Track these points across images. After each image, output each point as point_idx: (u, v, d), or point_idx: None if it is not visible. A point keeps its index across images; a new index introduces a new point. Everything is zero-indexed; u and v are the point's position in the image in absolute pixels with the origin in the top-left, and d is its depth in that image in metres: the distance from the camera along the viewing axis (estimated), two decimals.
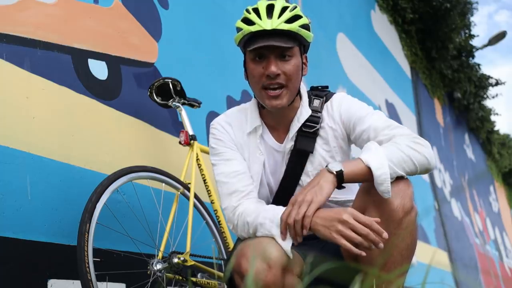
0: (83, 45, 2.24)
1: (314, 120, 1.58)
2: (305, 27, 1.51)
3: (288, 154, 1.59)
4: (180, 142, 2.27)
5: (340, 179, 1.38)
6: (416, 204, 1.44)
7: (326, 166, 1.40)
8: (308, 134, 1.58)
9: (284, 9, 1.48)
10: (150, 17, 2.72)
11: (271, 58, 1.47)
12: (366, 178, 1.38)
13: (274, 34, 1.45)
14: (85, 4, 2.32)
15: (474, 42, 10.37)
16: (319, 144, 1.59)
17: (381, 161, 1.36)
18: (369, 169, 1.36)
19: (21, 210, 1.76)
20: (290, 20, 1.47)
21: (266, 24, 1.45)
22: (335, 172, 1.38)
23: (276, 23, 1.44)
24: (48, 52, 2.05)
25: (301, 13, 1.51)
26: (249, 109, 1.65)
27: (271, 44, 1.44)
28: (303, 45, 1.56)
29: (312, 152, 1.58)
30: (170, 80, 2.31)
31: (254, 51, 1.48)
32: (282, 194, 1.61)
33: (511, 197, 13.93)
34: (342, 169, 1.38)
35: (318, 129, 1.58)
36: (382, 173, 1.35)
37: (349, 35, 5.64)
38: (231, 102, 3.22)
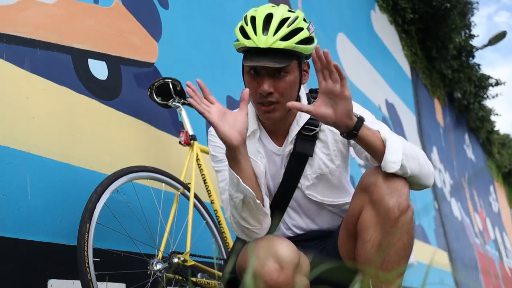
0: (83, 45, 2.24)
1: (313, 123, 1.57)
2: (305, 41, 1.44)
3: (287, 157, 1.58)
4: (180, 142, 2.27)
5: (355, 129, 1.36)
6: (415, 203, 1.44)
7: None
8: (308, 137, 1.56)
9: (282, 23, 1.41)
10: (150, 17, 2.71)
11: (264, 76, 1.43)
12: (376, 146, 1.38)
13: (269, 52, 1.40)
14: (85, 4, 2.32)
15: (474, 43, 10.36)
16: (318, 147, 1.57)
17: (397, 141, 1.39)
18: (382, 142, 1.38)
19: (21, 210, 1.76)
20: (286, 37, 1.40)
21: (260, 41, 1.39)
22: (358, 117, 1.37)
23: (270, 41, 1.39)
24: (48, 52, 2.05)
25: (302, 24, 1.44)
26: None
27: (264, 65, 1.40)
28: (304, 56, 1.50)
29: (311, 156, 1.56)
30: (170, 80, 2.31)
31: (249, 65, 1.45)
32: (281, 197, 1.60)
33: (511, 197, 13.93)
34: (364, 120, 1.37)
35: (317, 132, 1.57)
36: (395, 143, 1.37)
37: (349, 35, 5.64)
38: (231, 102, 3.22)
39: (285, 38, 1.40)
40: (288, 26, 1.41)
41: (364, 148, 1.43)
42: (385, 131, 1.42)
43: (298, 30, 1.43)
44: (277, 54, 1.41)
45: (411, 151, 1.42)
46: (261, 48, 1.40)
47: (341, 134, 1.41)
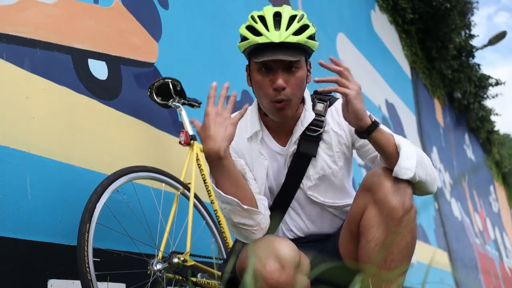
0: (83, 45, 2.24)
1: (317, 124, 1.57)
2: (312, 37, 1.49)
3: (291, 157, 1.58)
4: (180, 142, 2.27)
5: (367, 132, 1.40)
6: (415, 203, 1.44)
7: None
8: (311, 138, 1.56)
9: (292, 19, 1.45)
10: (150, 17, 2.71)
11: (278, 70, 1.45)
12: (388, 151, 1.41)
13: (282, 47, 1.43)
14: (85, 4, 2.32)
15: (474, 43, 10.37)
16: (322, 148, 1.57)
17: (410, 148, 1.42)
18: (396, 148, 1.41)
19: (21, 210, 1.76)
20: (298, 32, 1.44)
21: (274, 36, 1.42)
22: (373, 120, 1.41)
23: (284, 35, 1.42)
24: (48, 52, 2.05)
25: (308, 22, 1.49)
26: (249, 113, 1.63)
27: (279, 58, 1.42)
28: (309, 54, 1.54)
29: (314, 156, 1.56)
30: (170, 80, 2.31)
31: (261, 62, 1.46)
32: (283, 197, 1.60)
33: (511, 197, 13.93)
34: (380, 125, 1.41)
35: (321, 133, 1.57)
36: (409, 150, 1.40)
37: (349, 35, 5.64)
38: None
39: (297, 33, 1.44)
40: (298, 22, 1.46)
41: (377, 151, 1.46)
42: (399, 137, 1.45)
43: (307, 26, 1.47)
44: (290, 48, 1.44)
45: (420, 157, 1.44)
46: (275, 43, 1.43)
47: (355, 132, 1.45)
